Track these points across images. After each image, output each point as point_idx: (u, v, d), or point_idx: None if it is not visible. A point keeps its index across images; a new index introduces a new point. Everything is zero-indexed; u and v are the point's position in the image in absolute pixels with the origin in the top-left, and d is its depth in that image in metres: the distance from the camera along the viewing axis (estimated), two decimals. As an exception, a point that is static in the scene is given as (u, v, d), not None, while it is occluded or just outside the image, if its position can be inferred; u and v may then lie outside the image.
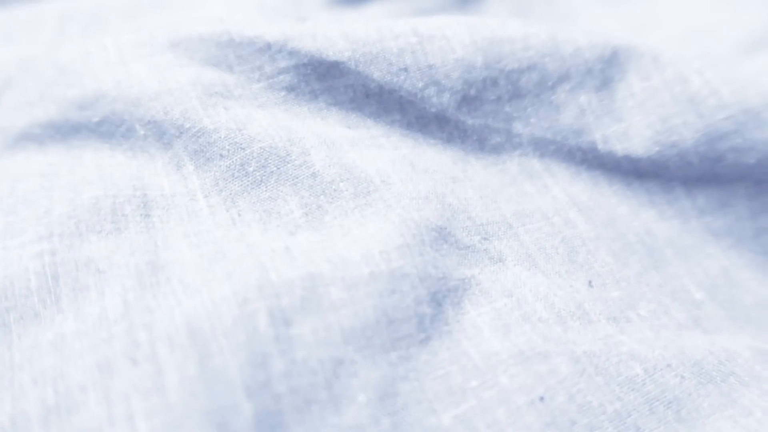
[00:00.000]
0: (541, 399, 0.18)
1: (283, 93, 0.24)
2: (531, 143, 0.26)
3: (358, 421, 0.16)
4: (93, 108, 0.23)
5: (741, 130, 0.24)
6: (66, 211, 0.20)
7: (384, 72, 0.24)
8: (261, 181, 0.21)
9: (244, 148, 0.21)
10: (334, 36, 0.24)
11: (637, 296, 0.22)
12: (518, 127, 0.25)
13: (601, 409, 0.18)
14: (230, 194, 0.21)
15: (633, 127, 0.25)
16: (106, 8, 0.32)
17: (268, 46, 0.24)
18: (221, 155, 0.21)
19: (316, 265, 0.18)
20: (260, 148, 0.21)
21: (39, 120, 0.23)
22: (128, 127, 0.22)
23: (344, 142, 0.23)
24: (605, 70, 0.25)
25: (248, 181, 0.21)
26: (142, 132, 0.22)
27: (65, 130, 0.23)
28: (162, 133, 0.22)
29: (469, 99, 0.25)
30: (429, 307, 0.19)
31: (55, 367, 0.16)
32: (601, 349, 0.19)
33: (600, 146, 0.25)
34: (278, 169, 0.21)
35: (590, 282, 0.22)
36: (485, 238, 0.22)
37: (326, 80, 0.24)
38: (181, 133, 0.22)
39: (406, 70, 0.24)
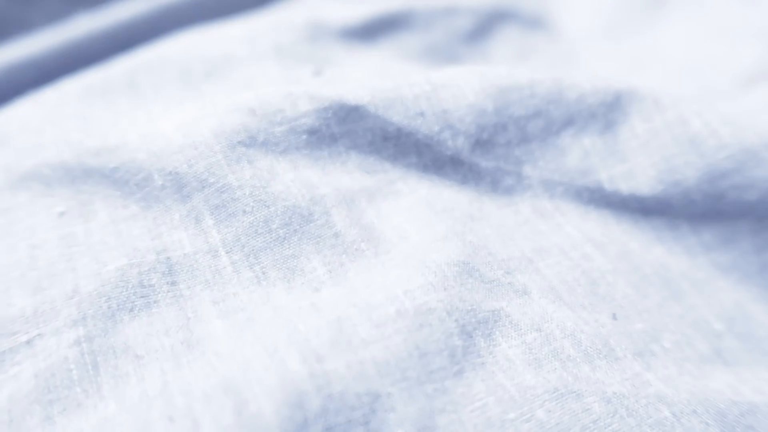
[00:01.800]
0: (579, 435, 0.16)
1: (304, 136, 0.23)
2: (541, 185, 0.25)
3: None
4: (112, 154, 0.22)
5: (741, 169, 0.24)
6: (94, 288, 0.18)
7: (402, 116, 0.24)
8: (285, 238, 0.20)
9: (268, 206, 0.20)
10: (353, 85, 0.24)
11: (660, 327, 0.20)
12: (528, 169, 0.25)
13: (635, 448, 0.16)
14: (253, 250, 0.20)
15: (637, 167, 0.25)
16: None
17: (290, 93, 0.24)
18: (245, 211, 0.20)
19: (342, 310, 0.17)
20: (284, 206, 0.20)
21: (49, 161, 0.22)
22: (145, 176, 0.21)
23: (362, 197, 0.22)
24: (608, 114, 0.25)
25: (271, 238, 0.20)
26: (160, 182, 0.21)
27: (76, 173, 0.21)
28: (182, 186, 0.21)
29: (482, 142, 0.24)
30: (460, 339, 0.17)
31: None
32: (630, 391, 0.18)
33: (606, 186, 0.25)
34: (301, 227, 0.20)
35: (614, 315, 0.20)
36: (508, 272, 0.21)
37: (346, 124, 0.24)
38: (204, 187, 0.21)
39: (422, 114, 0.24)
